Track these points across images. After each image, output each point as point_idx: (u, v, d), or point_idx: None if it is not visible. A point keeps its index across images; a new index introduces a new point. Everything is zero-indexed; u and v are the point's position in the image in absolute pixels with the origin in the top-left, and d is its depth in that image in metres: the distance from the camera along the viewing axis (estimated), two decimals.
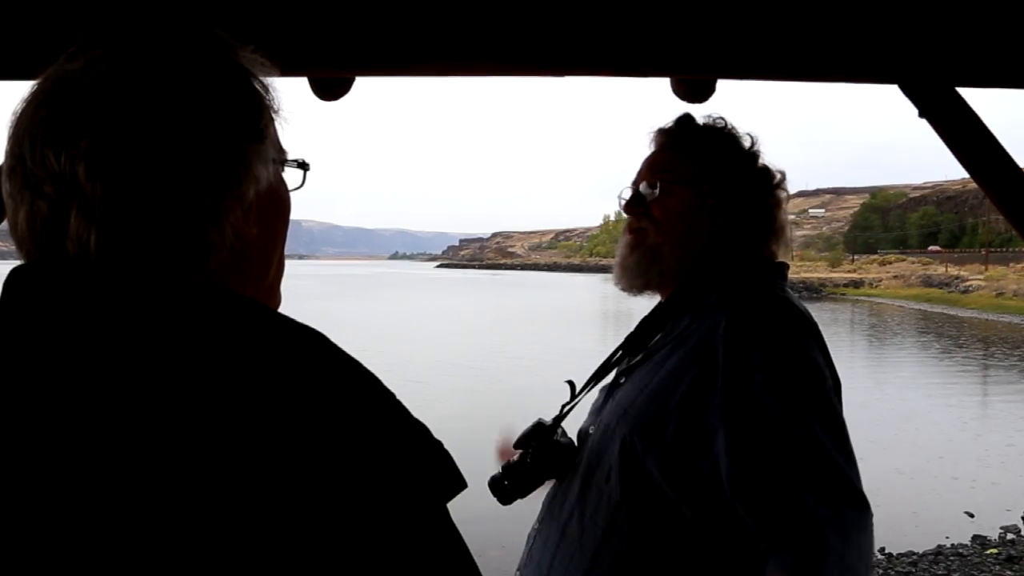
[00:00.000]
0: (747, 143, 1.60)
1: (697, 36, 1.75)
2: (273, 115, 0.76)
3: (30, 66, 1.57)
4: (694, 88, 1.86)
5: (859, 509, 1.29)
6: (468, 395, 14.70)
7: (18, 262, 0.69)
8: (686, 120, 1.62)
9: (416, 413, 0.68)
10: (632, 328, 1.73)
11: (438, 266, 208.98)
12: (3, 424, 0.59)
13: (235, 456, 0.58)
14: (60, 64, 0.69)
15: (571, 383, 1.70)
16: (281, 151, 0.77)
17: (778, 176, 1.60)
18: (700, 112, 1.65)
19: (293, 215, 0.83)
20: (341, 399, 0.63)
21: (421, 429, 0.66)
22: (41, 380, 0.60)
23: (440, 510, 0.65)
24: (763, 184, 1.58)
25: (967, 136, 1.75)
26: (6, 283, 0.66)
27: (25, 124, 0.67)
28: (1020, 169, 1.74)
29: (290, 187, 0.82)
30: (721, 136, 1.59)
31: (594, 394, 1.68)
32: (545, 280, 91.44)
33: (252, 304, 0.66)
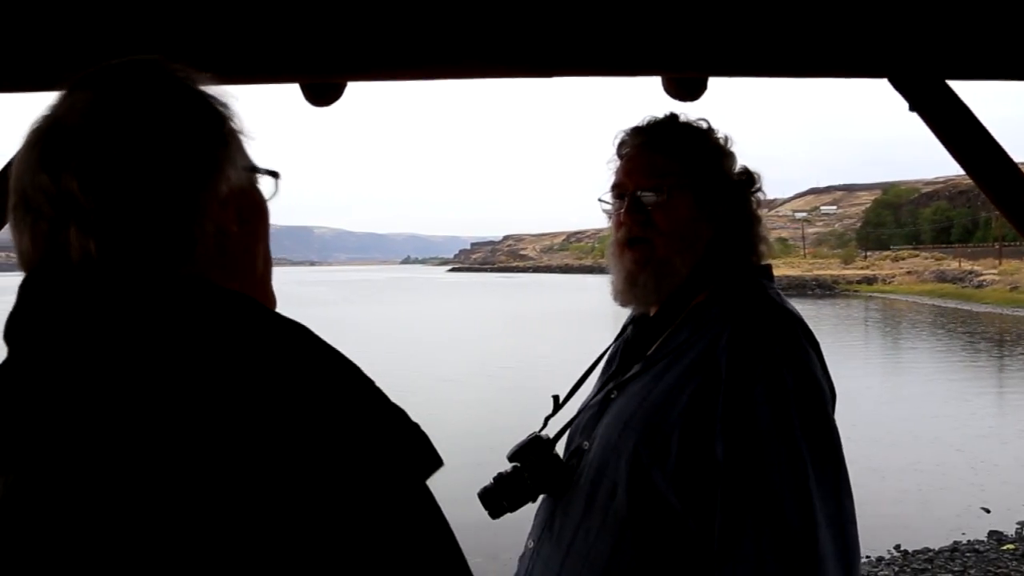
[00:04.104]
0: (727, 144, 1.57)
1: (686, 34, 1.75)
2: (236, 129, 0.85)
3: (39, 77, 1.61)
4: (686, 86, 1.86)
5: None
6: (501, 394, 14.86)
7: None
8: (672, 121, 1.57)
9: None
10: (615, 341, 1.71)
11: (450, 270, 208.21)
12: (28, 418, 0.68)
13: (221, 436, 0.65)
14: (47, 112, 0.78)
15: (555, 397, 1.67)
16: (250, 161, 0.87)
17: (757, 176, 1.58)
18: (698, 110, 1.62)
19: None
20: (323, 385, 0.71)
21: (398, 412, 0.73)
22: (55, 374, 0.68)
23: (420, 486, 0.71)
24: (744, 184, 1.56)
25: (959, 129, 1.74)
26: (20, 288, 0.75)
27: (24, 162, 0.77)
28: (1013, 161, 1.73)
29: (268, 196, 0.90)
30: (707, 138, 1.56)
31: (574, 407, 1.65)
32: (559, 282, 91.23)
33: (238, 296, 0.75)
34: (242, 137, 0.85)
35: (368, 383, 0.73)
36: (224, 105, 0.84)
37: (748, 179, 1.57)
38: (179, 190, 0.76)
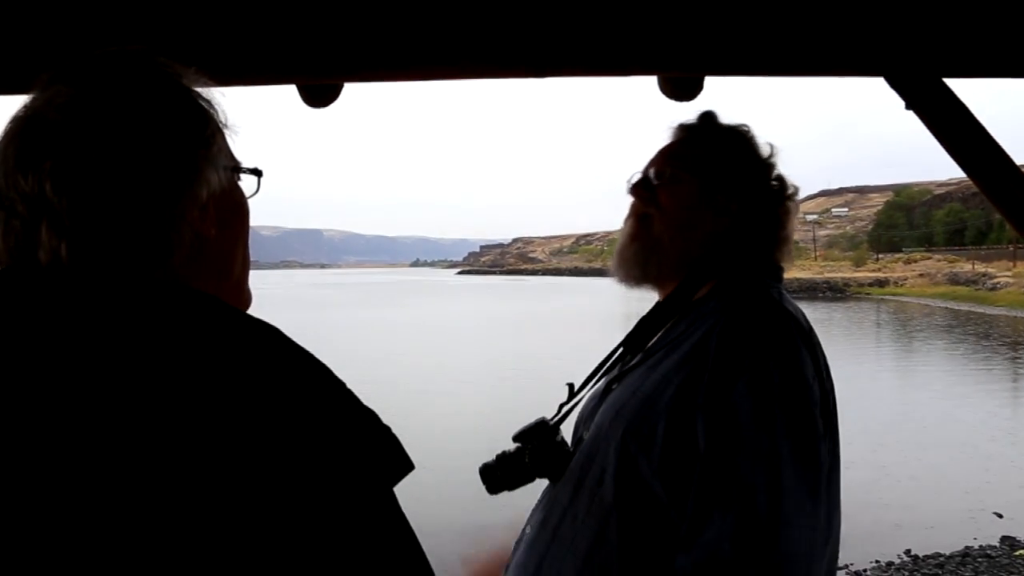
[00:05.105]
0: (765, 152, 1.60)
1: (681, 33, 1.74)
2: (221, 127, 0.83)
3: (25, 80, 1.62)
4: (681, 86, 1.86)
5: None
6: (515, 393, 14.88)
7: None
8: (708, 117, 1.62)
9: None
10: (629, 331, 1.72)
11: (459, 273, 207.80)
12: None
13: (184, 440, 0.63)
14: (27, 103, 0.77)
15: (570, 385, 1.69)
16: (233, 159, 0.85)
17: (792, 188, 1.59)
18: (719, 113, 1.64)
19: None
20: (293, 388, 0.69)
21: (370, 415, 0.72)
22: (10, 380, 0.66)
23: (387, 492, 0.70)
24: (775, 192, 1.58)
25: (956, 127, 1.73)
26: None
27: (0, 156, 0.75)
28: (1010, 158, 1.72)
29: (248, 194, 0.89)
30: (739, 138, 1.59)
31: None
32: (569, 285, 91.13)
33: (208, 300, 0.73)
34: (227, 132, 0.84)
35: (339, 385, 0.72)
36: (209, 101, 0.82)
37: (780, 188, 1.58)
38: (158, 196, 0.75)
